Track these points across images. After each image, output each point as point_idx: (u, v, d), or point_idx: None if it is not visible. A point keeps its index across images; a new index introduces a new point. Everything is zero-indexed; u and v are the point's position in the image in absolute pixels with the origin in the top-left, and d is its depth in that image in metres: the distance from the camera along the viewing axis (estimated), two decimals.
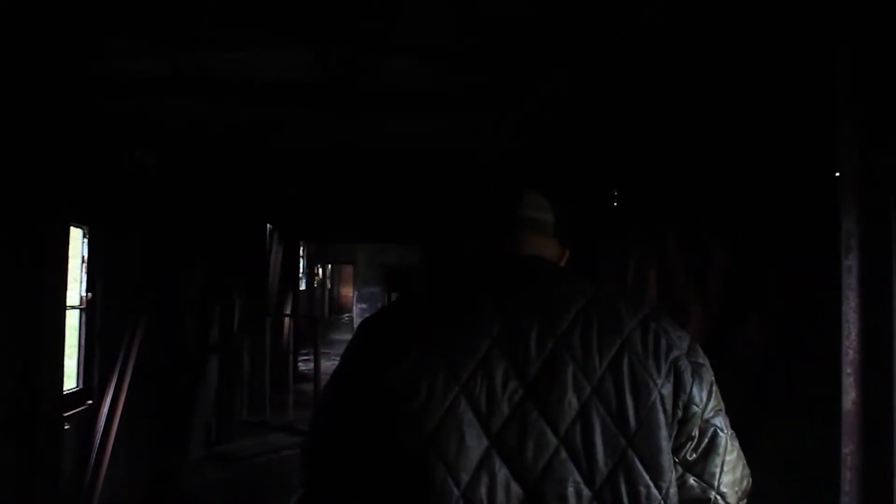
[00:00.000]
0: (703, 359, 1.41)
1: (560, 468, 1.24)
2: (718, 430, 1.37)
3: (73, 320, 5.90)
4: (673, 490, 1.29)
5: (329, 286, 30.06)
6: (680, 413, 1.32)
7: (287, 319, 14.18)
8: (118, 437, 6.03)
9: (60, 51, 4.34)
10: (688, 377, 1.34)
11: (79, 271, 5.92)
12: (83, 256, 5.95)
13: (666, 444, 1.28)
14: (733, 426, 1.41)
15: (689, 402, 1.33)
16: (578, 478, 1.24)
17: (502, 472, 1.23)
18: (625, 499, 1.23)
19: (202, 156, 7.37)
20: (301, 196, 10.49)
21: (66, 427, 5.25)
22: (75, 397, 5.74)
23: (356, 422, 1.31)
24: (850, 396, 2.45)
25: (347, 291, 30.85)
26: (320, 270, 26.89)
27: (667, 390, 1.30)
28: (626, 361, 1.29)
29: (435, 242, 14.27)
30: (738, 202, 3.45)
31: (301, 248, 18.48)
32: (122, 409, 6.11)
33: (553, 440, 1.24)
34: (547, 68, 4.15)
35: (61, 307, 5.10)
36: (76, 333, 5.96)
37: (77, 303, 5.89)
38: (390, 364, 1.29)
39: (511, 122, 5.45)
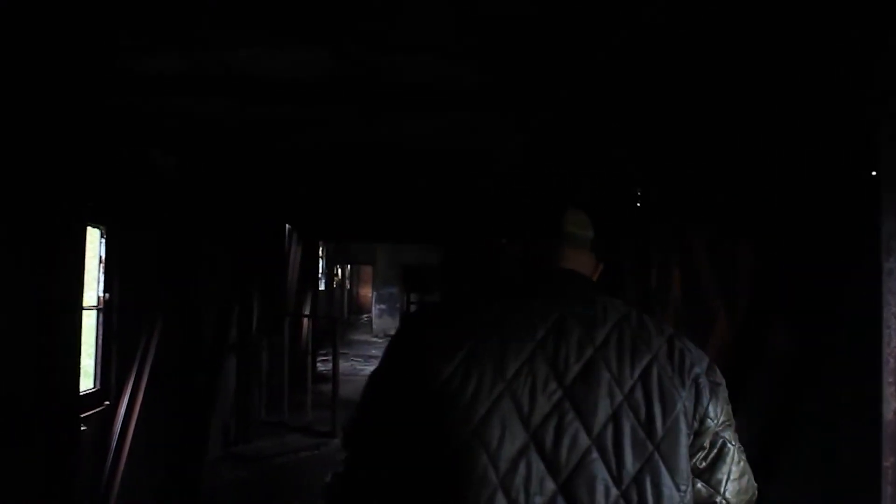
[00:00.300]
0: (720, 378, 1.55)
1: (591, 466, 1.34)
2: (727, 443, 1.50)
3: (90, 321, 5.88)
4: (690, 493, 1.42)
5: (348, 286, 30.08)
6: (696, 425, 1.45)
7: (306, 320, 14.16)
8: (135, 437, 6.00)
9: (78, 48, 4.30)
10: (706, 394, 1.48)
11: (96, 271, 5.89)
12: (101, 256, 5.92)
13: (686, 452, 1.41)
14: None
15: (705, 416, 1.46)
16: (607, 476, 1.34)
17: (538, 466, 1.33)
18: (649, 498, 1.34)
19: (221, 155, 7.33)
20: (320, 196, 10.44)
21: (83, 428, 5.22)
22: (92, 398, 5.71)
23: (403, 408, 1.41)
24: (891, 406, 2.34)
25: (366, 292, 30.86)
26: (339, 271, 26.91)
27: (689, 403, 1.44)
28: (654, 374, 1.43)
29: (456, 243, 14.19)
30: (768, 201, 3.34)
31: (320, 249, 18.47)
32: (139, 410, 6.08)
33: (586, 440, 1.35)
34: (566, 69, 4.07)
35: (78, 308, 5.07)
36: (93, 334, 5.93)
37: (94, 303, 5.86)
38: (445, 358, 1.39)
39: (532, 121, 5.36)
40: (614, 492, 1.33)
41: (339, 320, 15.68)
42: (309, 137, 6.45)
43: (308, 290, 15.46)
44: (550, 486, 1.32)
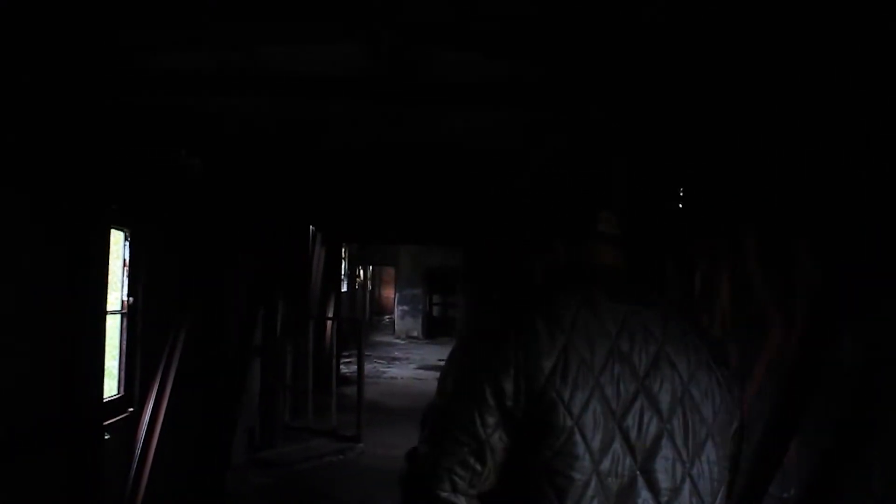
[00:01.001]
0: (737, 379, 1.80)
1: (665, 448, 1.50)
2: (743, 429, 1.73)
3: (114, 324, 5.76)
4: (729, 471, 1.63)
5: (370, 288, 29.99)
6: (737, 412, 1.66)
7: (329, 322, 14.04)
8: (160, 443, 5.88)
9: (102, 46, 4.18)
10: (737, 386, 1.72)
11: (120, 274, 5.77)
12: (125, 259, 5.80)
13: (729, 436, 1.62)
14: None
15: (739, 403, 1.69)
16: (677, 455, 1.51)
17: (623, 448, 1.48)
18: (706, 474, 1.53)
19: (246, 157, 7.21)
20: (344, 197, 10.33)
21: (106, 437, 5.10)
22: (116, 404, 5.59)
23: (504, 400, 1.48)
24: None
25: (389, 293, 30.75)
26: (361, 272, 26.82)
27: (733, 393, 1.64)
28: (704, 368, 1.59)
29: (480, 245, 14.02)
30: (831, 197, 3.10)
31: (343, 250, 18.37)
32: (163, 416, 5.96)
33: (659, 425, 1.51)
34: (612, 66, 3.90)
35: (102, 312, 4.95)
36: (117, 339, 5.81)
37: (118, 307, 5.73)
38: (547, 356, 1.49)
39: (566, 121, 5.18)
40: (681, 468, 1.51)
41: (362, 322, 15.56)
42: (337, 138, 6.31)
43: (331, 292, 15.35)
44: (632, 464, 1.48)
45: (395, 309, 26.11)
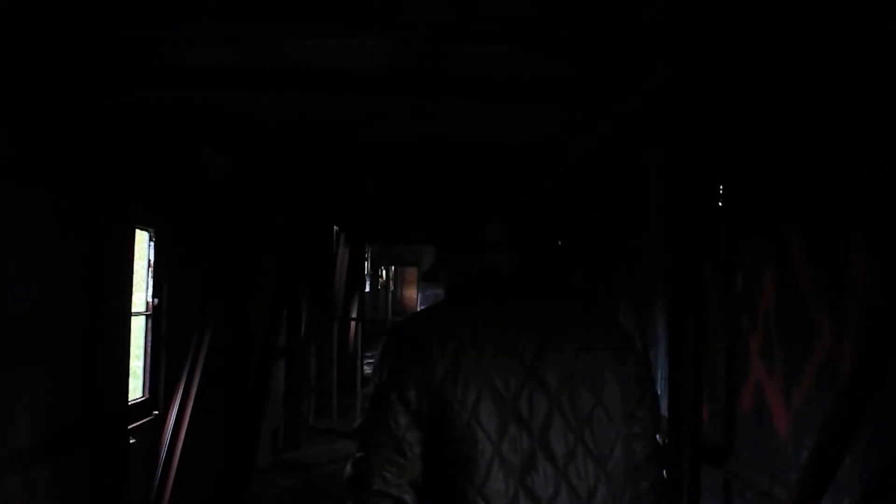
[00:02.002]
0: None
1: (556, 421, 1.75)
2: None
3: (138, 325, 5.69)
4: (625, 429, 1.87)
5: (392, 288, 29.94)
6: (632, 385, 1.97)
7: (353, 322, 13.97)
8: (185, 446, 5.80)
9: (125, 42, 4.10)
10: (629, 365, 2.02)
11: (145, 275, 5.70)
12: (149, 260, 5.72)
13: (620, 399, 1.88)
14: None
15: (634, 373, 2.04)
16: (567, 426, 1.75)
17: (519, 428, 1.73)
18: (598, 437, 1.78)
19: (270, 156, 7.13)
20: (368, 197, 10.23)
21: (131, 441, 5.02)
22: (141, 407, 5.52)
23: (412, 402, 1.75)
24: None
25: (411, 293, 30.73)
26: (384, 272, 26.75)
27: (622, 369, 1.92)
28: (592, 350, 1.87)
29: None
30: (891, 188, 2.92)
31: (366, 250, 18.30)
32: (188, 418, 5.88)
33: (548, 403, 1.76)
34: (648, 60, 3.77)
35: (126, 314, 4.87)
36: (142, 340, 5.73)
37: (143, 309, 5.66)
38: (437, 361, 1.78)
39: (598, 117, 5.04)
40: (572, 436, 1.75)
41: (386, 323, 15.48)
42: (363, 135, 6.21)
43: (355, 293, 15.29)
44: (530, 441, 1.73)
45: (418, 309, 26.02)
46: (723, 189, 4.58)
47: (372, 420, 1.80)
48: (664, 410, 5.30)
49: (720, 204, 4.62)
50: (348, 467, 1.82)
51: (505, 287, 1.93)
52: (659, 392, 5.75)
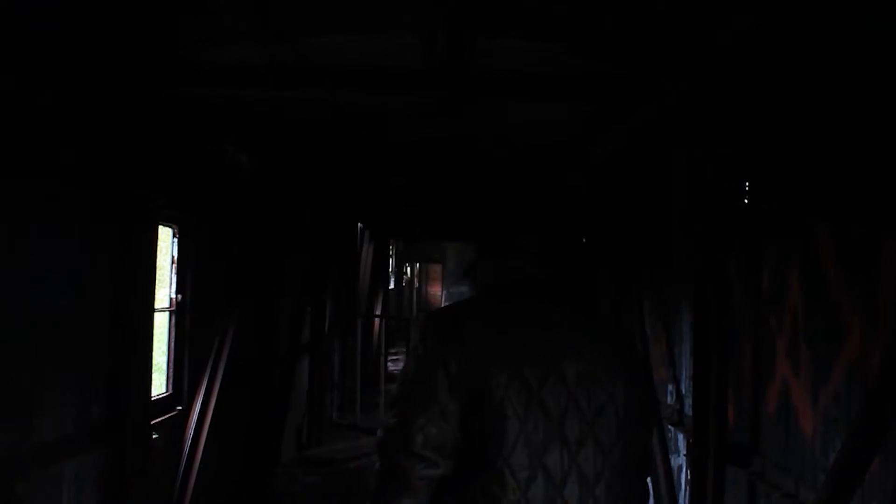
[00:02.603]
0: None
1: (571, 411, 1.97)
2: None
3: (163, 323, 5.73)
4: None
5: (417, 285, 29.95)
6: None
7: (377, 320, 13.98)
8: (208, 442, 5.83)
9: (151, 39, 4.11)
10: (638, 370, 2.34)
11: (168, 272, 5.73)
12: (173, 256, 5.75)
13: (627, 402, 2.08)
14: None
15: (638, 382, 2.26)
16: (581, 417, 1.98)
17: (541, 414, 1.94)
18: (606, 427, 1.99)
19: (295, 153, 7.14)
20: (393, 194, 10.22)
21: (154, 436, 5.05)
22: (165, 403, 5.54)
23: (450, 382, 1.96)
24: None
25: (435, 290, 30.71)
26: (408, 269, 26.77)
27: (630, 373, 2.14)
28: (605, 352, 2.11)
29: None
30: None
31: (391, 247, 18.32)
32: (212, 414, 5.90)
33: (567, 396, 1.98)
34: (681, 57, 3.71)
35: (150, 310, 4.89)
36: (166, 336, 5.77)
37: (166, 305, 5.69)
38: (478, 343, 2.00)
39: (626, 116, 4.98)
40: (586, 426, 1.97)
41: (410, 320, 15.48)
42: (390, 133, 6.19)
43: (379, 290, 15.30)
44: (548, 427, 1.94)
45: (442, 306, 26.01)
46: (748, 186, 4.51)
47: (413, 389, 2.00)
48: (688, 410, 5.24)
49: (745, 201, 4.55)
50: (381, 433, 2.01)
51: (533, 291, 2.17)
52: (684, 391, 5.69)
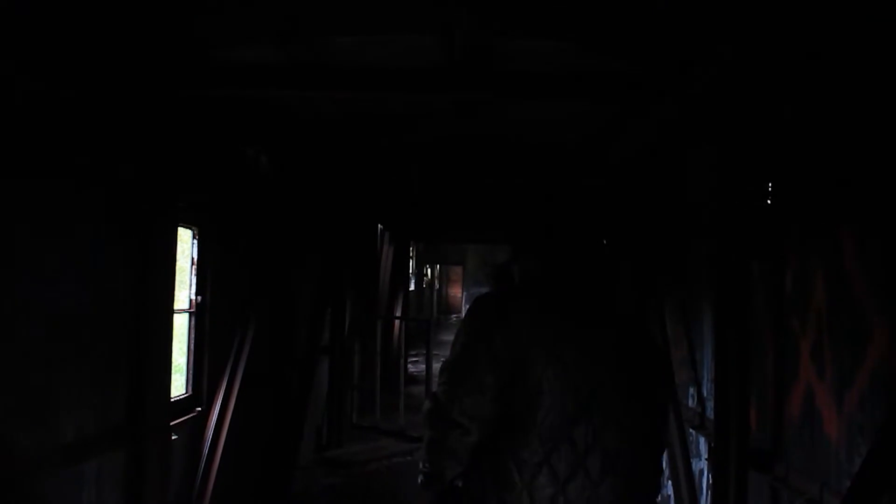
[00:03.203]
0: None
1: (599, 394, 2.26)
2: None
3: (182, 324, 5.74)
4: None
5: (437, 286, 29.93)
6: None
7: (397, 321, 13.97)
8: (227, 443, 5.84)
9: (170, 39, 4.12)
10: (657, 359, 2.72)
11: (188, 273, 5.74)
12: (193, 258, 5.77)
13: (647, 387, 2.46)
14: None
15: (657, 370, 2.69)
16: (608, 399, 2.28)
17: (572, 394, 2.22)
18: (630, 411, 2.30)
19: (314, 153, 7.14)
20: (414, 195, 10.21)
21: (174, 437, 5.06)
22: (184, 404, 5.56)
23: (496, 356, 2.26)
24: None
25: (456, 291, 30.68)
26: (429, 271, 26.76)
27: (650, 361, 2.53)
28: (629, 345, 2.49)
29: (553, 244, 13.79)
30: None
31: (411, 249, 18.32)
32: (231, 415, 5.92)
33: (595, 381, 2.30)
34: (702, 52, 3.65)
35: (169, 311, 4.90)
36: (185, 337, 5.78)
37: (186, 306, 5.71)
38: (520, 328, 2.32)
39: (647, 114, 4.93)
40: (610, 408, 2.25)
41: (430, 322, 15.45)
42: (409, 133, 6.18)
43: (399, 291, 15.30)
44: (577, 406, 2.22)
45: (463, 308, 26.00)
46: (772, 187, 4.45)
47: (460, 360, 2.30)
48: (710, 413, 5.18)
49: (769, 202, 4.49)
50: (427, 402, 2.33)
51: (563, 287, 2.49)
52: (705, 394, 5.63)
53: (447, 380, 2.29)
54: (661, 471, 2.53)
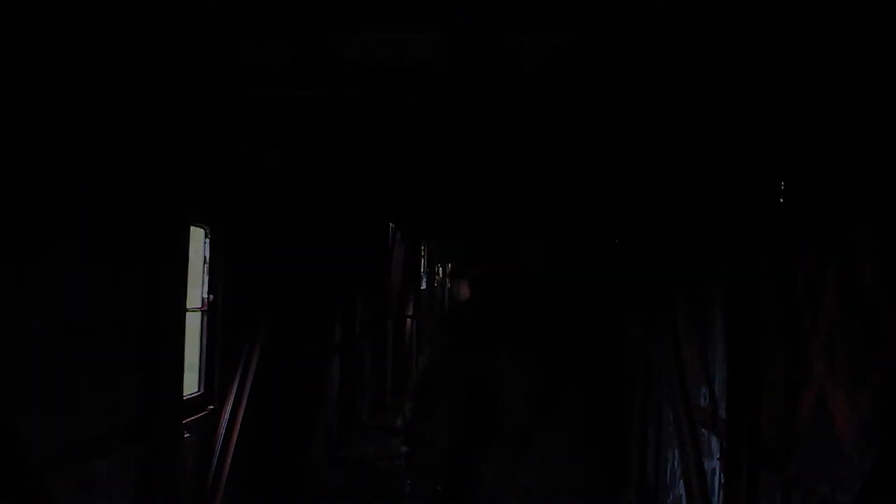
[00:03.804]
0: None
1: None
2: None
3: (195, 323, 5.77)
4: None
5: (448, 285, 29.87)
6: None
7: (409, 320, 13.99)
8: (239, 439, 5.86)
9: (173, 37, 4.14)
10: None
11: (200, 272, 5.77)
12: (205, 257, 5.79)
13: None
14: None
15: None
16: None
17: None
18: None
19: (325, 153, 7.16)
20: (424, 195, 10.22)
21: (186, 435, 5.08)
22: (197, 402, 5.59)
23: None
24: None
25: (467, 290, 30.58)
26: (440, 269, 26.72)
27: None
28: None
29: (560, 242, 13.78)
30: None
31: (422, 248, 18.32)
32: (243, 413, 5.94)
33: None
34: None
35: (182, 310, 4.93)
36: (198, 336, 5.81)
37: (199, 305, 5.74)
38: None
39: (660, 113, 4.92)
40: None
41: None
42: (415, 131, 6.19)
43: (411, 290, 15.31)
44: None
45: None
46: (784, 186, 4.43)
47: (424, 381, 2.68)
48: (722, 413, 5.17)
49: (781, 200, 4.47)
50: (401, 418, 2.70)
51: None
52: (717, 394, 5.61)
53: (415, 399, 2.94)
54: None
